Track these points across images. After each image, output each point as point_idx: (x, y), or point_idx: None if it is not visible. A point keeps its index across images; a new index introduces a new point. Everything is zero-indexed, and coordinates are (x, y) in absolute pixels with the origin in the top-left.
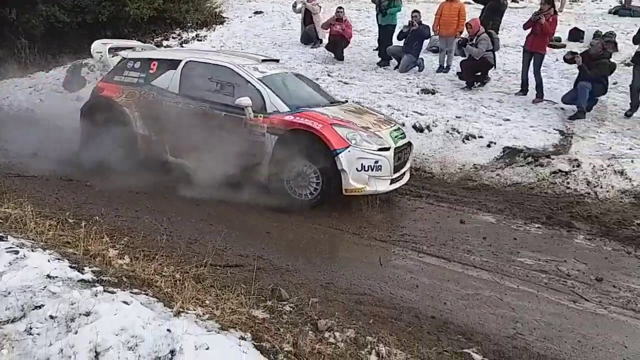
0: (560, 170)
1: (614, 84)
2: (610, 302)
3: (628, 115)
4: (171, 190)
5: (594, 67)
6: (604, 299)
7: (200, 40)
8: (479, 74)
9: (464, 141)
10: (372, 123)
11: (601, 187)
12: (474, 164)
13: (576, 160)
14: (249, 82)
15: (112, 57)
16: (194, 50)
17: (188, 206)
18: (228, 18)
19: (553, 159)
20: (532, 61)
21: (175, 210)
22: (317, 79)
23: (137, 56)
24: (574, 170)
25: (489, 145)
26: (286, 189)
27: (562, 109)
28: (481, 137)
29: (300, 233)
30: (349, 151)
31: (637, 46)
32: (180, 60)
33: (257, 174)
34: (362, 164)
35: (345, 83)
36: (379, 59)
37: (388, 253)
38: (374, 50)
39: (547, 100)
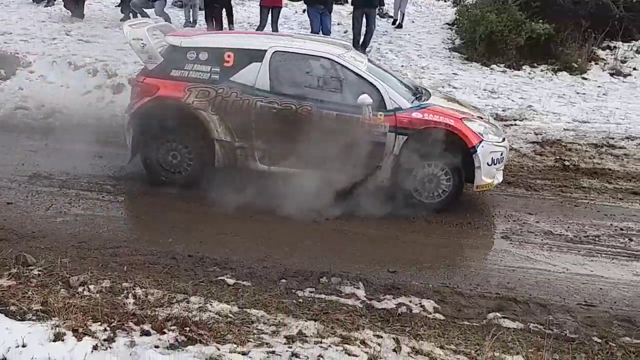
0: None
1: None
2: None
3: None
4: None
5: None
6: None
7: None
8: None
9: None
10: (475, 112)
11: None
12: None
13: None
14: (359, 75)
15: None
16: (261, 35)
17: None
18: None
19: None
20: (270, 14)
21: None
22: (54, 38)
23: (200, 45)
24: None
25: None
26: (411, 192)
27: None
28: None
29: None
30: (483, 146)
31: None
32: (265, 50)
33: (377, 178)
34: (492, 158)
35: (87, 42)
36: (122, 15)
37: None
38: (116, 6)
39: None
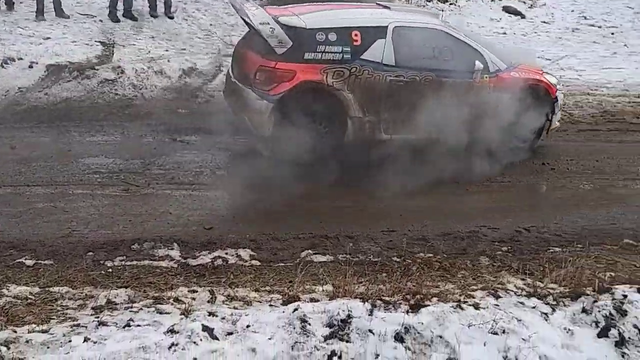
0: (106, 79)
1: None
2: (157, 182)
3: (152, 15)
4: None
5: None
6: (152, 181)
7: None
8: None
9: (2, 66)
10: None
11: (146, 89)
12: (19, 88)
13: (120, 67)
14: (465, 43)
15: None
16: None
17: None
18: None
19: (98, 69)
20: None
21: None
22: None
23: (326, 25)
24: (119, 77)
25: (30, 66)
26: (510, 145)
27: (101, 21)
28: (21, 59)
29: None
30: (558, 95)
31: None
32: (386, 27)
33: (488, 136)
34: (559, 104)
35: None
36: None
37: None
38: None
39: (86, 15)
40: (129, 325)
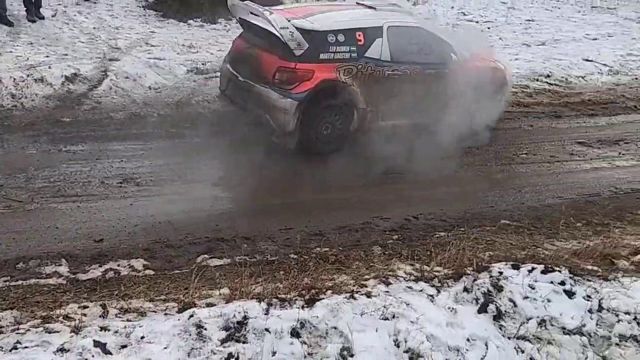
0: None
1: None
2: (41, 196)
3: (30, 20)
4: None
5: None
6: (36, 196)
7: None
8: None
9: None
10: None
11: (26, 98)
12: None
13: None
14: (440, 37)
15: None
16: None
17: None
18: None
19: None
20: None
21: None
22: None
23: (335, 27)
24: None
25: None
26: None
27: None
28: None
29: None
30: (508, 78)
31: None
32: (382, 27)
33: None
34: (509, 85)
35: None
36: None
37: None
38: None
39: None
40: (16, 348)
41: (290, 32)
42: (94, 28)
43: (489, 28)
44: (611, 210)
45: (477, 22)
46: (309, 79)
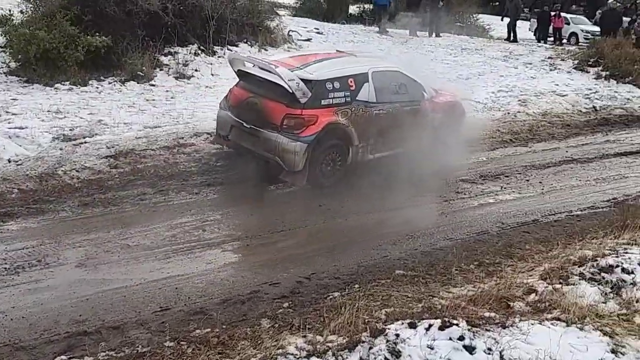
0: None
1: None
2: None
3: None
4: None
5: None
6: None
7: None
8: None
9: None
10: None
11: None
12: None
13: None
14: (411, 78)
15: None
16: (347, 55)
17: None
18: None
19: None
20: None
21: None
22: None
23: (331, 76)
24: None
25: None
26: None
27: None
28: None
29: None
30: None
31: None
32: (367, 73)
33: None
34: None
35: None
36: None
37: None
38: None
39: None
40: None
41: (296, 82)
42: None
43: None
44: (501, 247)
45: None
46: (314, 123)
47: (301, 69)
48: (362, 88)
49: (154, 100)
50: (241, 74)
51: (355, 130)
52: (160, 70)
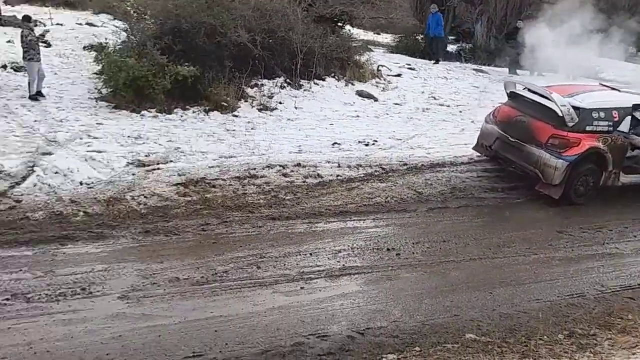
0: None
1: None
2: None
3: None
4: None
5: None
6: None
7: None
8: None
9: None
10: None
11: None
12: None
13: None
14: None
15: None
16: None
17: None
18: None
19: None
20: None
21: None
22: None
23: (596, 106)
24: None
25: None
26: None
27: None
28: None
29: None
30: None
31: None
32: (630, 107)
33: None
34: None
35: None
36: None
37: None
38: None
39: None
40: None
41: (567, 108)
42: (35, 121)
43: (460, 112)
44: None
45: (448, 105)
46: (577, 145)
47: (572, 96)
48: (623, 120)
49: (234, 130)
50: (512, 95)
51: (612, 157)
52: (245, 101)
